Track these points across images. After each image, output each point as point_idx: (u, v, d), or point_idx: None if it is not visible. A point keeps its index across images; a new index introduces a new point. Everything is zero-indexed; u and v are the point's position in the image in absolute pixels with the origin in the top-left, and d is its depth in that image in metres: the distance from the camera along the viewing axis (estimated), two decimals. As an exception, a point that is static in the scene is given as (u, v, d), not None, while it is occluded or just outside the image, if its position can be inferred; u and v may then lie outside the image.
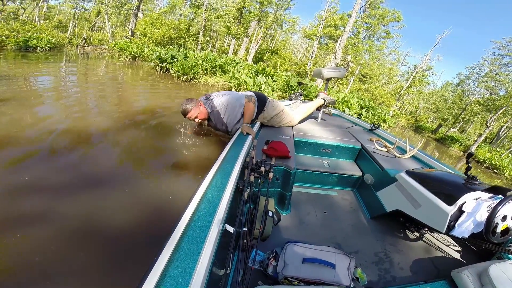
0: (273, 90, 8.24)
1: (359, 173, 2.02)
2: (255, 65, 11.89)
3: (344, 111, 7.15)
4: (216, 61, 9.14)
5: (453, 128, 23.09)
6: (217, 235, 0.82)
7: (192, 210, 0.90)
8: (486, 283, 0.99)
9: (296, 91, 7.05)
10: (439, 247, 1.54)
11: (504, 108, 15.45)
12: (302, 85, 4.47)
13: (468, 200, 1.18)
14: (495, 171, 11.77)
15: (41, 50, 9.15)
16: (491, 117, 15.84)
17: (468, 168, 1.35)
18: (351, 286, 1.06)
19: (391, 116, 12.37)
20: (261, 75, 8.77)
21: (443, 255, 1.48)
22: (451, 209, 1.18)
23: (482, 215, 1.13)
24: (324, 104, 2.78)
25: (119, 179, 1.99)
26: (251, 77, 8.40)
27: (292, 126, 2.52)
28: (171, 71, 8.11)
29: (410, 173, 1.52)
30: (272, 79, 8.91)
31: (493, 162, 12.11)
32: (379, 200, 1.68)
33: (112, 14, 20.96)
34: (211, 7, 19.34)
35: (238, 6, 17.85)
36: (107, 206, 1.69)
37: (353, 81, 23.45)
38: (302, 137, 2.18)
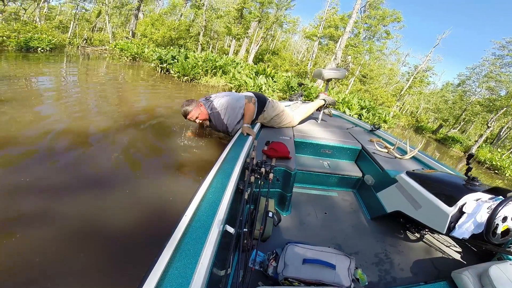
0: (273, 91, 8.24)
1: (360, 174, 2.02)
2: (256, 65, 11.91)
3: (344, 112, 7.15)
4: (217, 61, 9.15)
5: (453, 129, 23.06)
6: (217, 235, 0.82)
7: (192, 211, 0.90)
8: (486, 284, 0.99)
9: (296, 91, 7.06)
10: (440, 248, 1.53)
11: (505, 108, 15.43)
12: (302, 85, 4.47)
13: (469, 201, 1.18)
14: (496, 171, 11.75)
15: (42, 50, 9.16)
16: (492, 118, 15.81)
17: (469, 169, 1.35)
18: (351, 287, 1.06)
19: (392, 117, 12.37)
20: (261, 75, 8.78)
21: (444, 256, 1.48)
22: (452, 210, 1.18)
23: (483, 216, 1.13)
24: (324, 104, 2.78)
25: (119, 180, 2.00)
26: (251, 78, 8.40)
27: (293, 127, 2.52)
28: (171, 71, 8.12)
29: (410, 174, 1.52)
30: (272, 79, 8.91)
31: (494, 163, 12.09)
32: (379, 201, 1.68)
33: (113, 14, 20.98)
34: (212, 7, 19.35)
35: (238, 6, 17.89)
36: (107, 206, 1.69)
37: (354, 81, 23.46)
38: (303, 138, 2.18)
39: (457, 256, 1.49)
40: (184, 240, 0.77)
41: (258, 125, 2.34)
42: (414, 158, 2.11)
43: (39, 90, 4.11)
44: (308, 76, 20.02)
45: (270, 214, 1.37)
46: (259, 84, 8.01)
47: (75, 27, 16.62)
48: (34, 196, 1.65)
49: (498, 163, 11.93)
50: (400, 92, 24.34)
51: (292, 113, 2.55)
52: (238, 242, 0.90)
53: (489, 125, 15.37)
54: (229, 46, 23.41)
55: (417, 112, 31.93)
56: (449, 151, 15.57)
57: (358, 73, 23.47)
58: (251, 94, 2.36)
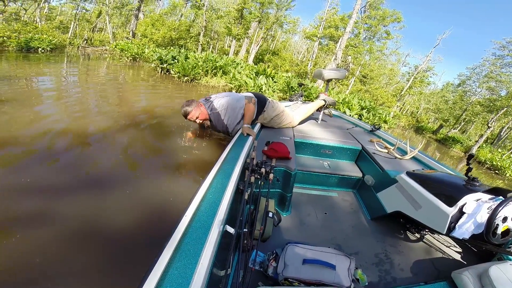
0: (273, 91, 8.25)
1: (360, 174, 2.02)
2: (256, 66, 11.91)
3: (345, 112, 7.15)
4: (217, 62, 9.16)
5: (454, 129, 23.04)
6: (217, 236, 0.82)
7: (192, 211, 0.90)
8: (487, 284, 0.99)
9: (296, 92, 7.06)
10: (440, 248, 1.53)
11: (505, 108, 15.42)
12: (302, 86, 4.47)
13: (469, 201, 1.18)
14: (497, 172, 11.73)
15: (43, 51, 9.18)
16: (492, 118, 15.80)
17: (469, 170, 1.35)
18: (351, 287, 1.06)
19: (392, 117, 12.36)
20: (261, 76, 8.78)
21: (444, 256, 1.48)
22: (452, 210, 1.18)
23: (483, 217, 1.13)
24: (324, 105, 2.78)
25: (119, 180, 2.00)
26: (251, 78, 8.41)
27: (293, 127, 2.52)
28: (171, 72, 8.13)
29: (410, 174, 1.52)
30: (272, 80, 8.91)
31: (494, 163, 12.07)
32: (379, 201, 1.68)
33: (113, 15, 21.02)
34: (212, 8, 19.38)
35: (238, 7, 17.91)
36: (108, 206, 1.69)
37: (354, 82, 23.46)
38: (303, 138, 2.18)
39: (457, 257, 1.49)
40: (184, 240, 0.77)
41: (258, 126, 2.35)
42: (414, 158, 2.11)
43: (40, 90, 4.12)
44: (308, 76, 20.03)
45: (270, 214, 1.37)
46: (259, 85, 8.01)
47: (76, 27, 16.65)
48: (34, 196, 1.65)
49: (498, 163, 11.91)
50: (401, 92, 24.34)
51: (292, 113, 2.55)
52: (238, 242, 0.90)
53: (489, 125, 15.36)
54: (229, 47, 23.43)
55: (417, 112, 31.92)
56: (450, 151, 15.56)
57: (358, 73, 23.47)
58: (251, 94, 2.37)
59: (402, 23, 20.35)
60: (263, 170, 1.41)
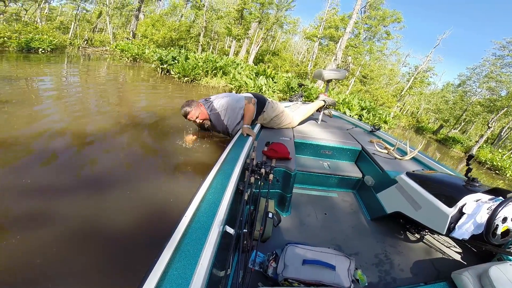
0: (273, 92, 8.25)
1: (360, 175, 2.03)
2: (256, 66, 11.92)
3: (345, 113, 7.16)
4: (217, 62, 9.17)
5: (454, 129, 23.03)
6: (217, 236, 0.82)
7: (192, 212, 0.90)
8: (486, 284, 0.99)
9: (296, 92, 7.06)
10: (440, 249, 1.53)
11: (506, 108, 15.41)
12: (302, 86, 4.48)
13: (469, 202, 1.18)
14: (497, 172, 11.72)
15: (43, 51, 9.19)
16: (493, 118, 15.80)
17: (469, 170, 1.35)
18: (351, 287, 1.06)
19: (392, 117, 12.35)
20: (261, 76, 8.79)
21: (443, 256, 1.48)
22: (452, 211, 1.18)
23: (483, 217, 1.13)
24: (324, 105, 2.78)
25: (120, 180, 2.00)
26: (251, 79, 8.41)
27: (293, 128, 2.53)
28: (172, 72, 8.13)
29: (410, 174, 1.52)
30: (272, 80, 8.92)
31: (495, 163, 12.06)
32: (379, 202, 1.68)
33: (114, 15, 21.03)
34: (212, 8, 19.40)
35: (238, 7, 17.91)
36: (108, 207, 1.69)
37: (354, 82, 23.46)
38: (303, 139, 2.18)
39: (457, 257, 1.49)
40: (184, 240, 0.77)
41: (258, 126, 2.35)
42: (414, 159, 2.11)
43: (40, 90, 4.12)
44: (309, 77, 20.03)
45: (270, 215, 1.37)
46: (260, 85, 8.01)
47: (76, 28, 16.67)
48: (34, 196, 1.65)
49: (499, 163, 11.90)
50: (401, 92, 24.33)
51: (292, 113, 2.55)
52: (238, 242, 0.90)
53: (489, 125, 15.35)
54: (230, 47, 23.44)
55: (417, 113, 31.89)
56: (450, 151, 15.56)
57: (358, 73, 23.47)
58: (250, 95, 2.37)
59: (402, 23, 20.36)
60: (263, 170, 1.41)
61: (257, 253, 1.17)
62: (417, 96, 27.28)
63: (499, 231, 1.11)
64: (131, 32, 17.99)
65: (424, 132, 21.39)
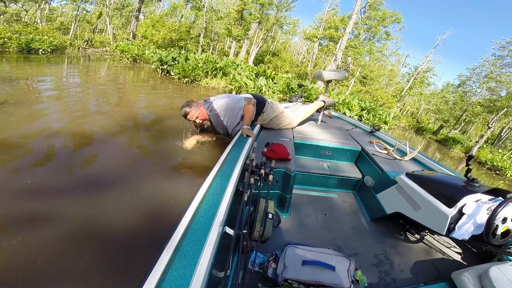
0: (273, 92, 8.25)
1: (359, 175, 2.02)
2: (256, 67, 11.93)
3: (345, 113, 7.16)
4: (217, 63, 9.18)
5: (454, 130, 23.02)
6: (217, 237, 0.82)
7: (192, 213, 0.90)
8: (486, 284, 0.99)
9: (296, 93, 7.06)
10: (439, 249, 1.53)
11: (506, 109, 15.40)
12: (302, 87, 4.48)
13: (468, 202, 1.18)
14: (497, 172, 11.71)
15: (43, 52, 9.20)
16: (493, 118, 15.80)
17: (468, 170, 1.36)
18: (351, 288, 1.06)
19: (392, 118, 12.35)
20: (261, 77, 8.79)
21: (443, 257, 1.48)
22: (451, 211, 1.18)
23: (482, 217, 1.13)
24: (324, 106, 2.78)
25: (120, 181, 2.00)
26: (251, 79, 8.42)
27: (292, 128, 2.53)
28: (172, 73, 8.14)
29: (410, 175, 1.52)
30: (272, 81, 8.92)
31: (495, 163, 12.05)
32: (379, 202, 1.68)
33: (114, 16, 21.05)
34: (212, 9, 19.42)
35: (238, 8, 17.93)
36: (108, 207, 1.69)
37: (354, 82, 23.46)
38: (302, 139, 2.18)
39: (457, 257, 1.49)
40: (184, 241, 0.77)
41: (257, 127, 2.35)
42: (413, 159, 2.11)
43: (40, 91, 4.13)
44: (309, 77, 20.04)
45: (270, 216, 1.37)
46: (259, 86, 8.02)
47: (76, 28, 16.69)
48: (35, 197, 1.66)
49: (499, 163, 11.89)
50: (401, 93, 24.34)
51: (292, 114, 2.55)
52: (237, 243, 0.90)
53: (489, 125, 15.34)
54: (230, 48, 23.46)
55: (417, 113, 31.90)
56: (450, 152, 15.55)
57: (358, 74, 23.48)
58: (250, 95, 2.37)
59: (402, 24, 20.40)
60: (262, 171, 1.41)
61: (256, 254, 1.17)
62: (417, 97, 27.27)
63: (499, 232, 1.11)
64: (131, 33, 18.01)
65: (424, 133, 21.38)
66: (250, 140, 1.84)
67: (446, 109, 23.94)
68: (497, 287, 0.95)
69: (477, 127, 25.33)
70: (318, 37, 22.19)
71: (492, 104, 16.90)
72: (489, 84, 17.88)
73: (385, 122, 8.63)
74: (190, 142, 2.62)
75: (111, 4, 17.87)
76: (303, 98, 3.71)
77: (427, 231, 1.55)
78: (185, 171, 2.36)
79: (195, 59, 8.84)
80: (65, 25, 19.41)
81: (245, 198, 1.18)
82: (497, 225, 1.10)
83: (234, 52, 20.97)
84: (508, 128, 19.36)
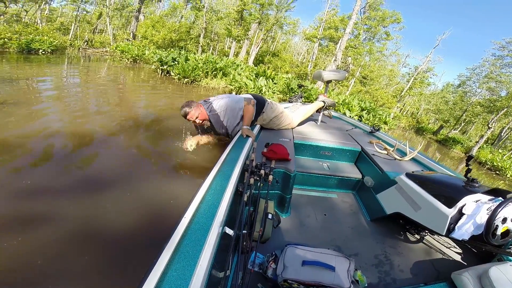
0: (273, 93, 8.26)
1: (359, 176, 2.02)
2: (256, 67, 11.93)
3: (345, 113, 7.16)
4: (217, 63, 9.18)
5: (454, 130, 23.02)
6: (216, 237, 0.82)
7: (191, 213, 0.90)
8: (486, 285, 0.99)
9: (296, 93, 7.06)
10: (439, 249, 1.53)
11: (506, 109, 15.40)
12: (302, 87, 4.48)
13: (468, 202, 1.18)
14: (497, 172, 11.71)
15: (43, 52, 9.21)
16: (493, 118, 15.79)
17: (468, 171, 1.35)
18: (351, 288, 1.06)
19: (392, 118, 12.35)
20: (261, 77, 8.80)
21: (443, 257, 1.48)
22: (451, 212, 1.18)
23: (482, 217, 1.13)
24: (324, 106, 2.78)
25: (120, 181, 2.00)
26: (251, 80, 8.42)
27: (292, 129, 2.53)
28: (172, 73, 8.14)
29: (410, 175, 1.52)
30: (272, 81, 8.92)
31: (495, 164, 12.04)
32: (379, 203, 1.68)
33: (114, 16, 21.07)
34: (212, 9, 19.42)
35: (238, 8, 17.94)
36: (108, 208, 1.69)
37: (354, 83, 23.46)
38: (302, 140, 2.18)
39: (457, 257, 1.49)
40: (183, 242, 0.77)
41: (257, 127, 2.35)
42: (413, 159, 2.11)
43: (40, 91, 4.13)
44: (309, 77, 20.05)
45: (270, 216, 1.37)
46: (259, 86, 8.02)
47: (76, 29, 16.71)
48: (35, 197, 1.66)
49: (499, 164, 11.88)
50: (401, 93, 24.33)
51: (292, 114, 2.55)
52: (237, 244, 0.90)
53: (489, 125, 15.34)
54: (230, 48, 23.47)
55: (417, 113, 31.89)
56: (450, 152, 15.55)
57: (358, 74, 23.48)
58: (250, 96, 2.37)
59: (402, 24, 20.40)
60: (262, 171, 1.41)
61: (256, 254, 1.17)
62: (417, 97, 27.27)
63: (499, 232, 1.11)
64: (131, 33, 18.02)
65: (424, 133, 21.38)
66: (250, 140, 1.84)
67: (446, 109, 23.94)
68: (497, 287, 0.95)
69: (477, 127, 25.33)
70: (318, 37, 22.20)
71: (492, 104, 16.89)
72: (489, 84, 17.88)
73: (385, 122, 8.63)
74: (191, 143, 2.60)
75: (111, 4, 17.89)
76: (303, 98, 3.71)
77: (427, 231, 1.55)
78: (185, 172, 2.36)
79: (195, 60, 8.84)
80: (65, 26, 19.42)
81: (245, 199, 1.18)
82: (497, 225, 1.10)
83: (234, 52, 20.98)
84: (508, 128, 19.35)
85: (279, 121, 2.42)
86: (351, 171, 2.08)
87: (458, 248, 1.55)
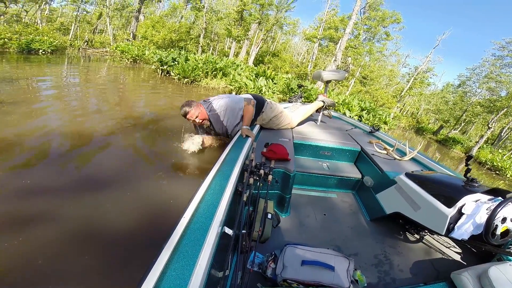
0: (273, 93, 8.25)
1: (359, 176, 2.02)
2: (256, 67, 11.94)
3: (344, 113, 7.16)
4: (217, 64, 9.18)
5: (454, 130, 23.01)
6: (215, 237, 0.82)
7: (191, 213, 0.90)
8: (486, 284, 0.99)
9: (296, 93, 7.07)
10: (439, 249, 1.53)
11: (506, 109, 15.40)
12: (302, 87, 4.48)
13: (468, 202, 1.18)
14: (497, 172, 11.70)
15: (43, 52, 9.22)
16: (493, 118, 15.78)
17: (468, 170, 1.35)
18: (350, 288, 1.06)
19: (392, 118, 12.35)
20: (261, 77, 8.80)
21: (443, 257, 1.48)
22: (451, 211, 1.18)
23: (482, 217, 1.13)
24: (323, 106, 2.78)
25: (120, 181, 2.00)
26: (251, 80, 8.42)
27: (292, 129, 2.53)
28: (172, 74, 8.14)
29: (409, 175, 1.52)
30: (272, 81, 8.92)
31: (495, 164, 12.04)
32: (378, 203, 1.68)
33: (114, 16, 21.09)
34: (212, 9, 19.43)
35: (238, 8, 17.94)
36: (108, 207, 1.69)
37: (354, 83, 23.46)
38: (302, 140, 2.18)
39: (457, 257, 1.49)
40: (183, 241, 0.77)
41: (257, 127, 2.35)
42: (413, 159, 2.11)
43: (40, 91, 4.13)
44: (309, 77, 20.05)
45: (269, 216, 1.37)
46: (259, 86, 8.02)
47: (76, 29, 16.72)
48: (36, 199, 1.65)
49: (499, 164, 11.88)
50: (401, 93, 24.33)
51: (291, 114, 2.55)
52: (236, 243, 0.90)
53: (489, 126, 15.33)
54: (230, 48, 23.48)
55: (417, 113, 31.89)
56: (450, 152, 15.55)
57: (358, 74, 23.48)
58: (250, 96, 2.37)
59: (402, 24, 20.37)
60: (262, 171, 1.41)
61: (255, 254, 1.17)
62: (417, 97, 27.27)
63: (498, 231, 1.10)
64: (131, 34, 18.03)
65: (424, 133, 21.37)
66: (249, 140, 1.84)
67: (446, 109, 23.94)
68: (497, 287, 0.95)
69: (477, 127, 25.33)
70: (318, 37, 22.19)
71: (492, 104, 16.89)
72: (489, 84, 17.88)
73: (385, 122, 8.63)
74: (198, 140, 2.55)
75: (111, 4, 17.90)
76: (302, 98, 3.71)
77: (426, 231, 1.55)
78: (185, 171, 2.36)
79: (195, 60, 8.84)
80: (65, 26, 19.43)
81: (244, 198, 1.18)
82: (496, 225, 1.10)
83: (234, 52, 20.98)
84: (508, 128, 19.34)
85: (278, 120, 2.42)
86: (351, 171, 2.08)
87: (457, 247, 1.55)
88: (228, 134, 2.36)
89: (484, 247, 1.20)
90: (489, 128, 15.29)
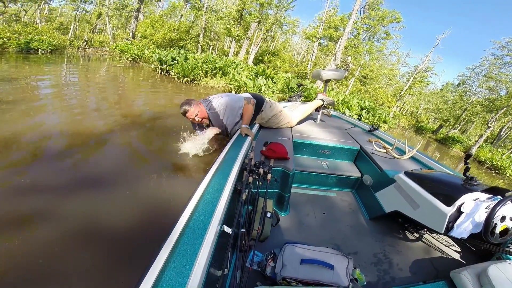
0: (273, 92, 8.25)
1: (358, 174, 2.02)
2: (255, 66, 11.93)
3: (344, 113, 7.16)
4: (217, 63, 9.18)
5: (454, 129, 23.03)
6: (214, 236, 0.82)
7: (190, 211, 0.90)
8: (485, 283, 0.99)
9: (296, 92, 7.06)
10: (438, 248, 1.53)
11: (505, 108, 15.40)
12: (301, 86, 4.48)
13: (467, 200, 1.18)
14: (497, 171, 11.72)
15: (43, 52, 9.20)
16: (492, 118, 15.79)
17: (467, 169, 1.35)
18: (350, 287, 1.06)
19: (392, 117, 12.35)
20: (261, 76, 8.79)
21: (442, 255, 1.48)
22: (450, 210, 1.18)
23: (481, 216, 1.13)
24: (322, 105, 2.78)
25: (119, 180, 2.00)
26: (251, 79, 8.42)
27: (291, 127, 2.53)
28: (171, 73, 8.14)
29: (408, 174, 1.52)
30: (272, 80, 8.92)
31: (494, 163, 12.06)
32: (378, 201, 1.68)
33: (113, 16, 21.07)
34: (212, 9, 19.41)
35: (238, 8, 17.92)
36: (107, 206, 1.69)
37: (354, 82, 23.46)
38: (301, 139, 2.18)
39: (456, 256, 1.49)
40: (181, 240, 0.77)
41: (256, 126, 2.35)
42: (412, 158, 2.11)
43: (39, 91, 4.13)
44: (308, 77, 20.03)
45: (269, 215, 1.36)
46: (259, 85, 8.02)
47: (76, 28, 16.69)
48: (36, 198, 1.65)
49: (498, 163, 11.91)
50: (400, 92, 24.34)
51: (291, 113, 2.55)
52: (235, 242, 0.90)
53: (489, 125, 15.33)
54: (229, 47, 23.46)
55: (417, 113, 31.91)
56: (450, 151, 15.56)
57: (358, 73, 23.48)
58: (249, 95, 2.37)
59: (402, 24, 20.36)
60: (261, 170, 1.41)
61: (255, 253, 1.17)
62: (416, 96, 27.30)
63: (497, 230, 1.10)
64: (131, 33, 18.01)
65: (423, 132, 21.38)
66: (249, 139, 1.84)
67: (446, 108, 23.97)
68: (496, 286, 0.95)
69: (477, 126, 25.36)
70: (317, 36, 22.17)
71: (491, 104, 16.90)
72: (489, 83, 17.89)
73: (385, 122, 8.63)
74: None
75: (110, 4, 17.86)
76: (302, 97, 3.71)
77: (425, 229, 1.55)
78: (184, 170, 2.36)
79: (194, 59, 8.84)
80: (64, 25, 19.40)
81: (244, 197, 1.18)
82: (495, 224, 1.10)
83: (234, 51, 20.96)
84: (507, 127, 19.37)
85: (278, 119, 2.42)
86: (350, 170, 2.08)
87: (457, 246, 1.55)
88: (227, 133, 2.36)
89: (483, 246, 1.20)
90: (488, 127, 15.30)
